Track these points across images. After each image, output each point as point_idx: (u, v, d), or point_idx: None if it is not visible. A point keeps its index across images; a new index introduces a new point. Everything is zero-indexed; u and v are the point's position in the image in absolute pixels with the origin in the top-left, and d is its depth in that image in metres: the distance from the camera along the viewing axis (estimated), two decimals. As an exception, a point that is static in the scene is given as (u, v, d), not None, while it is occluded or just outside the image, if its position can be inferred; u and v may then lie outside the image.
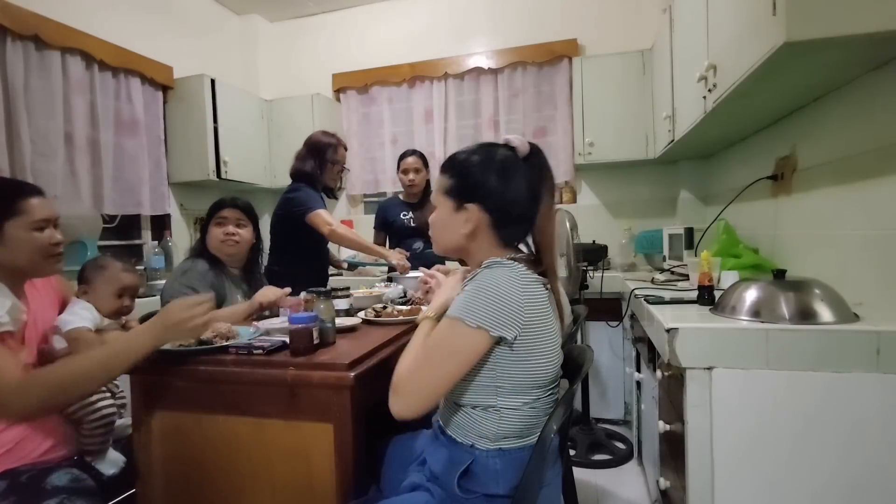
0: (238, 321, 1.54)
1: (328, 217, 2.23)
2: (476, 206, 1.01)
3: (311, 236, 2.25)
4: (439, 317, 1.01)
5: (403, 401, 0.94)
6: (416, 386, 0.94)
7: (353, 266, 2.78)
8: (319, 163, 2.32)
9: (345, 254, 2.94)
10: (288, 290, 1.65)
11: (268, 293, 1.64)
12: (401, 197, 2.81)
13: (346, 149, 2.44)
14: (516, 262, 0.98)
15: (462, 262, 1.38)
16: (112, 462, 1.31)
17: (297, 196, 2.27)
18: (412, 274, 2.14)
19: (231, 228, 1.75)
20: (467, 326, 0.91)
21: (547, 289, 1.01)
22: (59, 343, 1.27)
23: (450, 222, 1.05)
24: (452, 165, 1.07)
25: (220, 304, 1.68)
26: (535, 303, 0.95)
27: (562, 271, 1.99)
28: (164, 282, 2.56)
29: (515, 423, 0.96)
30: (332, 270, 2.78)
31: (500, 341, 0.92)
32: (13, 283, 1.22)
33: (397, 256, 2.26)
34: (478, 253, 1.05)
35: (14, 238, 1.19)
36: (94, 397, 1.30)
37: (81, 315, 1.30)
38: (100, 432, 1.27)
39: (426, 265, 2.16)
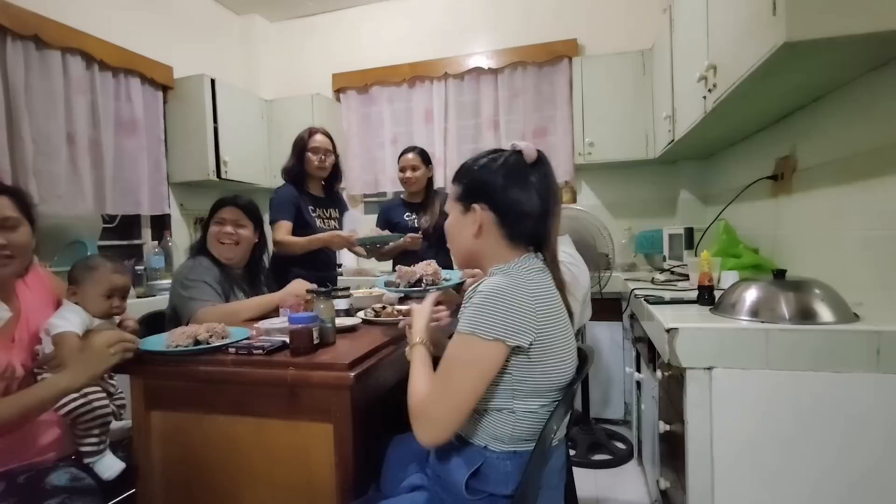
0: (267, 311, 1.60)
1: (281, 231, 2.18)
2: (481, 205, 1.02)
3: (303, 237, 2.22)
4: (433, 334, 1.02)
5: (430, 427, 0.92)
6: (441, 410, 0.91)
7: (371, 249, 2.38)
8: (298, 156, 2.31)
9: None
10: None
11: (298, 287, 1.65)
12: (403, 197, 2.68)
13: (324, 134, 2.35)
14: (522, 266, 0.98)
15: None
16: (110, 467, 1.26)
17: (272, 199, 2.28)
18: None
19: (229, 229, 1.71)
20: (483, 340, 0.89)
21: (557, 287, 1.01)
22: (47, 345, 1.25)
23: (459, 226, 1.05)
24: (460, 172, 1.08)
25: (225, 301, 1.67)
26: (547, 306, 0.95)
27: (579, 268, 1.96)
28: (163, 282, 2.59)
29: (531, 426, 0.95)
30: (336, 270, 2.73)
31: (516, 349, 0.91)
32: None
33: (332, 235, 2.21)
34: (489, 255, 1.03)
35: None
36: (89, 395, 1.27)
37: (69, 319, 1.27)
38: (96, 432, 1.25)
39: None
